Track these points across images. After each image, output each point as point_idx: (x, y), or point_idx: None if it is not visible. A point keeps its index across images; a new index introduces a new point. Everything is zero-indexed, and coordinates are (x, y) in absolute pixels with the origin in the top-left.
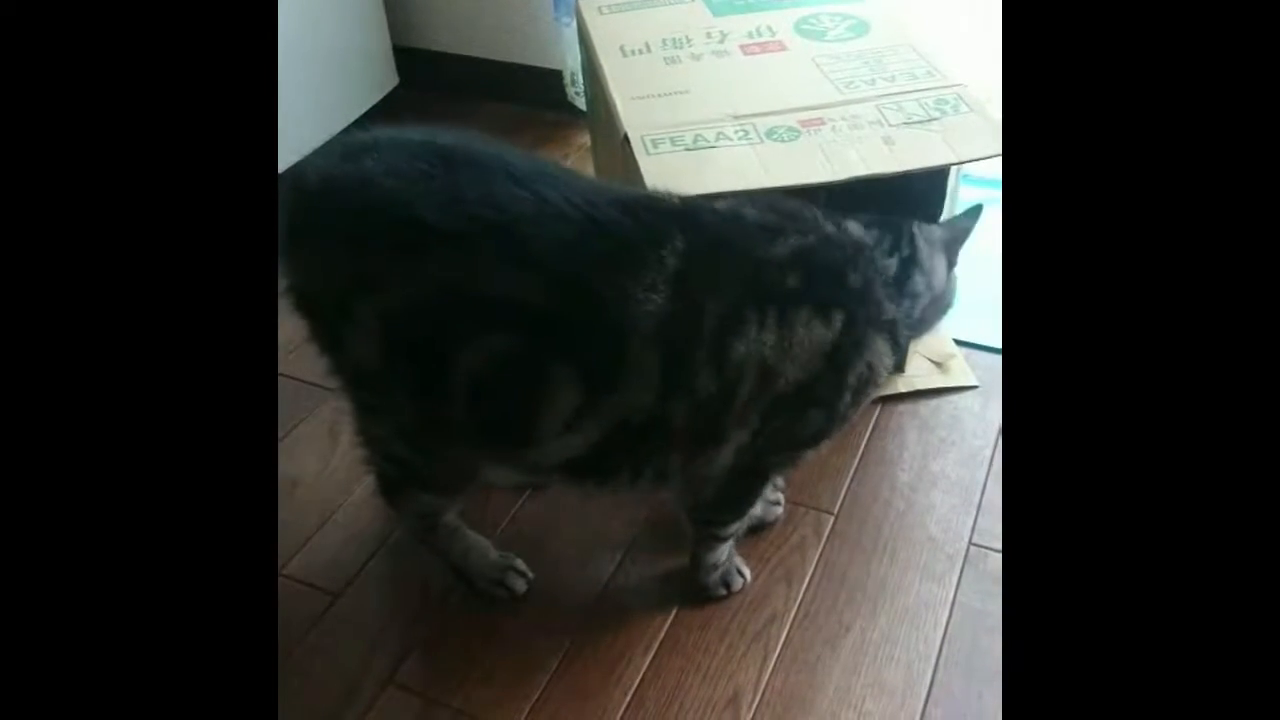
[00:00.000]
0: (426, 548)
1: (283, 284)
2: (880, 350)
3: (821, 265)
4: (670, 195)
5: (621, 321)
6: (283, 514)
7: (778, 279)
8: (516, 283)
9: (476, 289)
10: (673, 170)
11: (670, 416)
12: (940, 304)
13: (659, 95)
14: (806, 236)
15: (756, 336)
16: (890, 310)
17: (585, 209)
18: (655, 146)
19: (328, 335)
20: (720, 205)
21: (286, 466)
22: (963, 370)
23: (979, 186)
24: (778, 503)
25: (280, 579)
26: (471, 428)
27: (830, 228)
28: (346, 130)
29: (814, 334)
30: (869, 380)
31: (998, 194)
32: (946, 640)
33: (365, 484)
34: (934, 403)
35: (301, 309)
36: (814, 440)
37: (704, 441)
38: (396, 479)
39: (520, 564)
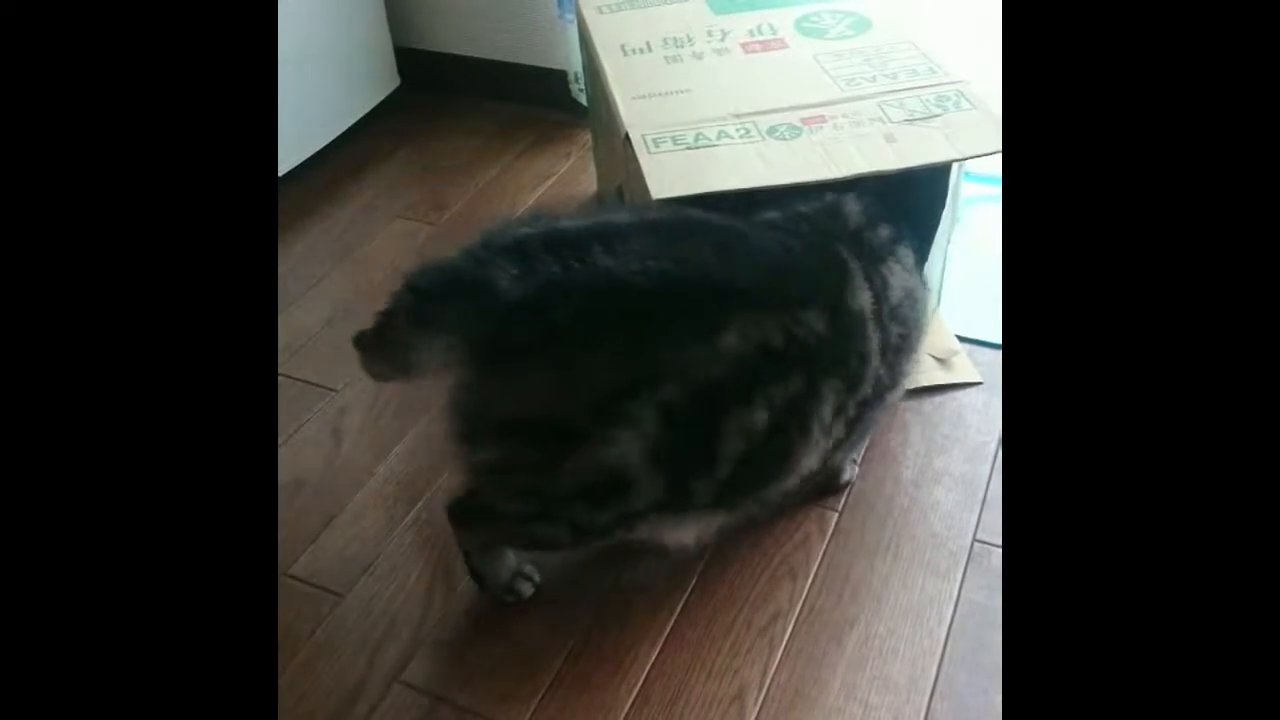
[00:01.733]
0: (460, 547)
1: (482, 412)
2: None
3: (879, 218)
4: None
5: (868, 322)
6: (287, 515)
7: (875, 239)
8: (803, 323)
9: (770, 344)
10: (674, 169)
11: (882, 379)
12: None
13: (660, 94)
14: (849, 207)
15: (903, 281)
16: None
17: (787, 244)
18: (657, 146)
19: (559, 454)
20: (773, 216)
21: (291, 468)
22: (966, 366)
23: (981, 183)
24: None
25: (286, 580)
26: (729, 483)
27: (830, 197)
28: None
29: (910, 259)
30: None
31: (999, 190)
32: (951, 636)
33: (369, 484)
34: (937, 399)
35: (508, 434)
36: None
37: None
38: (490, 532)
39: (529, 569)
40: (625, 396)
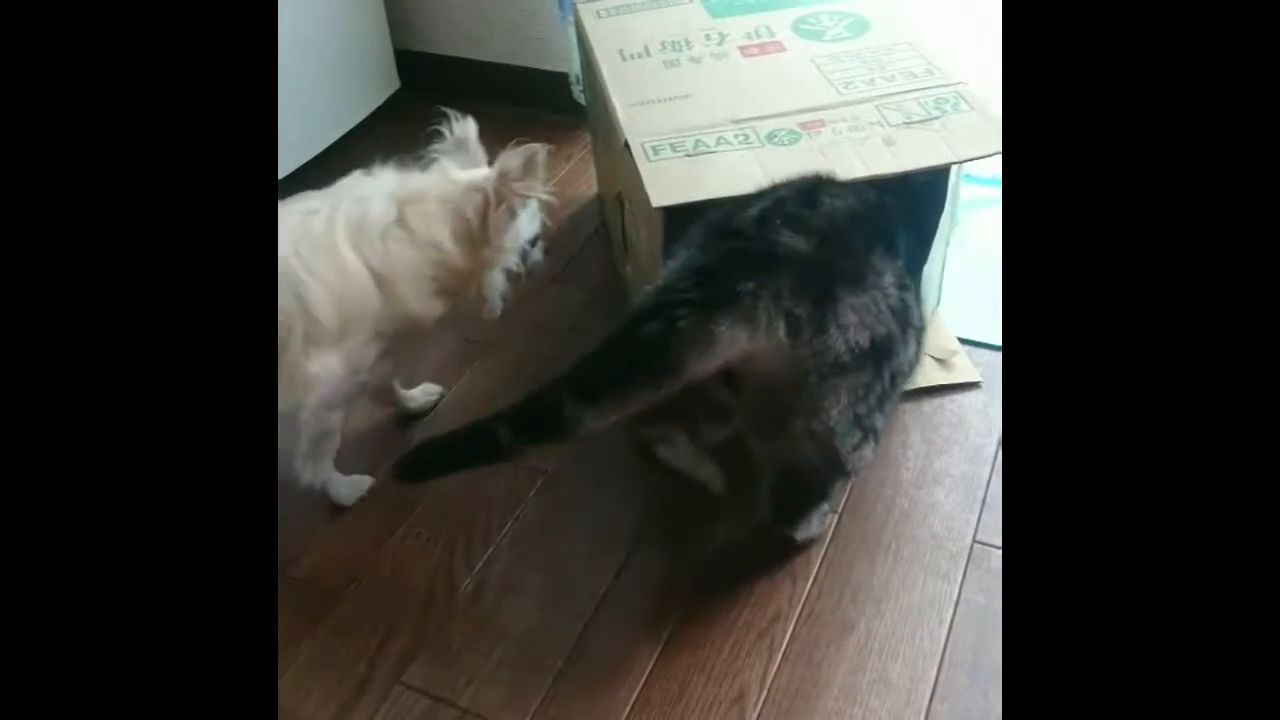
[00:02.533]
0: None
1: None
2: None
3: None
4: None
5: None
6: (289, 516)
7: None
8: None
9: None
10: (673, 177)
11: None
12: None
13: (659, 100)
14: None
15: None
16: None
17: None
18: (656, 153)
19: (881, 362)
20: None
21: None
22: (965, 367)
23: (981, 185)
24: None
25: (287, 580)
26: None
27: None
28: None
29: None
30: None
31: (999, 191)
32: (951, 637)
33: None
34: (937, 400)
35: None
36: None
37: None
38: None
39: None
40: (905, 290)
